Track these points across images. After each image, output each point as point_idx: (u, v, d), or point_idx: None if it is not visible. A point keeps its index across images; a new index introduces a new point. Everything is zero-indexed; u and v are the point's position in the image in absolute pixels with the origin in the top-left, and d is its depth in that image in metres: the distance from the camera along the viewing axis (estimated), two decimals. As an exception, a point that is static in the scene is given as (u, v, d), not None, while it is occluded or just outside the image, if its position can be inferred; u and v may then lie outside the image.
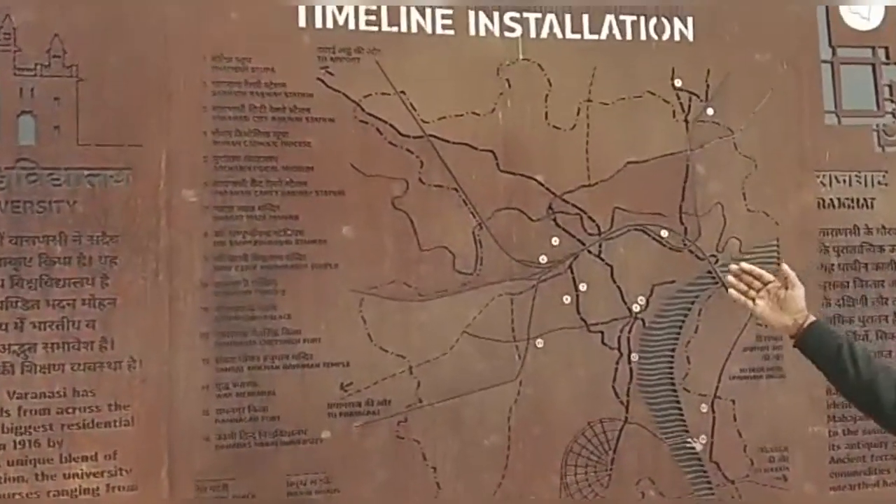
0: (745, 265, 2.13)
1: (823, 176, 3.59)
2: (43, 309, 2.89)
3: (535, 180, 3.33)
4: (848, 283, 3.59)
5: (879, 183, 3.63)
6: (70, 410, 2.90)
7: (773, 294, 2.11)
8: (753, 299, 2.16)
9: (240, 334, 3.06)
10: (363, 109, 3.18)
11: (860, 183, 3.62)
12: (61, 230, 2.92)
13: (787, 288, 2.09)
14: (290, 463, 3.09)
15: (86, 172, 2.95)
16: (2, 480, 2.83)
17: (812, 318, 2.10)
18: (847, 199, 3.60)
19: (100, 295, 2.94)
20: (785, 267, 2.15)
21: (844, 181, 3.61)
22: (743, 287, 2.14)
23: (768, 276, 2.13)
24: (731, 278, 2.11)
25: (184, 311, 3.02)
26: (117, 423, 2.94)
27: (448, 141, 3.25)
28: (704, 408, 3.41)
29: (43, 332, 2.89)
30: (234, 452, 3.04)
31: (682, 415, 3.39)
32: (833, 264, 3.58)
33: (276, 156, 3.11)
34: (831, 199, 3.59)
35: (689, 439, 3.41)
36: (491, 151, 3.30)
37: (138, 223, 2.98)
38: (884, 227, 3.62)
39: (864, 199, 3.62)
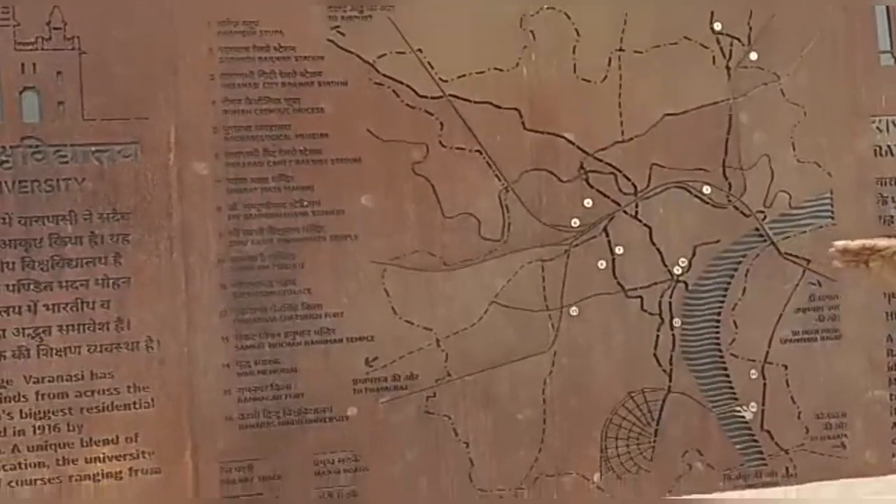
0: (848, 243, 1.95)
1: (880, 121, 3.32)
2: (56, 291, 2.82)
3: (565, 138, 3.14)
4: (909, 235, 3.34)
5: (943, 126, 3.36)
6: (89, 393, 2.83)
7: (888, 259, 1.91)
8: (867, 263, 1.96)
9: (259, 310, 2.96)
10: (378, 71, 3.02)
11: (920, 127, 3.35)
12: (71, 209, 2.84)
13: None
14: (317, 441, 2.99)
15: (93, 148, 2.85)
16: (23, 466, 2.78)
17: None
18: (906, 145, 3.34)
19: (113, 274, 2.86)
20: None
21: (903, 126, 3.34)
22: (851, 260, 1.95)
23: (881, 243, 1.93)
24: (836, 255, 1.93)
25: (200, 289, 2.92)
26: (137, 406, 2.87)
27: (469, 100, 3.07)
28: (754, 374, 3.21)
29: (57, 314, 2.82)
30: (258, 432, 2.95)
31: (730, 382, 3.20)
32: (893, 216, 3.32)
33: (288, 123, 2.97)
34: (889, 147, 3.33)
35: (739, 408, 3.22)
36: (516, 110, 3.11)
37: (149, 199, 2.88)
38: (948, 174, 3.35)
39: (925, 145, 3.35)
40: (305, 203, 2.99)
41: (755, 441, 3.21)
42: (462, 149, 3.09)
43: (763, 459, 3.22)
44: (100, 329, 2.84)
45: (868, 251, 1.98)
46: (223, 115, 2.93)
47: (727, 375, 3.20)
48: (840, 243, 2.00)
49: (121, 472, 2.85)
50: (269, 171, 2.97)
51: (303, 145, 2.99)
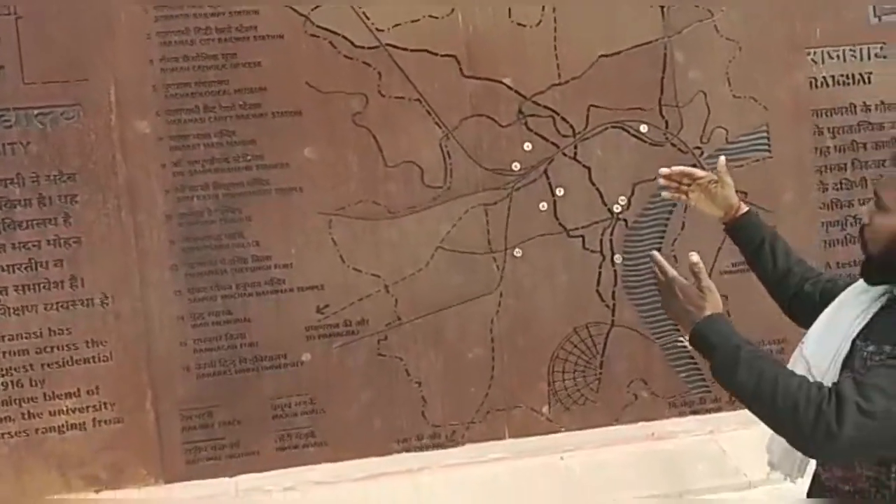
0: (671, 169, 2.08)
1: (815, 53, 3.38)
2: (9, 252, 2.92)
3: (503, 84, 3.20)
4: (845, 165, 3.42)
5: (876, 56, 3.41)
6: (48, 349, 2.95)
7: (703, 188, 2.04)
8: (686, 194, 2.09)
9: (209, 264, 3.06)
10: (313, 23, 3.06)
11: (855, 58, 3.40)
12: (18, 171, 2.92)
13: (720, 184, 2.04)
14: (273, 387, 3.12)
15: (35, 112, 2.92)
16: (-11, 421, 2.91)
17: (745, 209, 2.05)
18: (841, 76, 3.39)
19: (64, 234, 2.95)
20: (721, 161, 2.07)
21: (838, 57, 3.39)
22: (675, 185, 2.07)
23: (698, 172, 2.07)
24: (661, 181, 2.06)
25: (150, 245, 3.02)
26: (96, 360, 2.98)
27: (406, 49, 3.13)
28: None
29: (12, 274, 2.92)
30: (215, 380, 3.08)
31: (671, 315, 3.31)
32: (829, 147, 3.41)
33: (226, 79, 3.03)
34: (824, 78, 3.39)
35: (681, 338, 3.32)
36: (453, 56, 3.17)
37: (94, 160, 2.96)
38: (882, 103, 3.42)
39: (861, 75, 3.40)
40: (249, 157, 3.07)
41: (698, 369, 3.33)
42: (401, 98, 3.15)
43: (707, 387, 3.35)
44: (54, 287, 2.95)
45: (688, 179, 2.07)
46: (161, 74, 2.99)
47: (669, 308, 3.32)
48: (664, 170, 2.09)
49: (84, 422, 2.99)
50: (210, 126, 3.04)
51: (242, 100, 3.05)
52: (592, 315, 3.29)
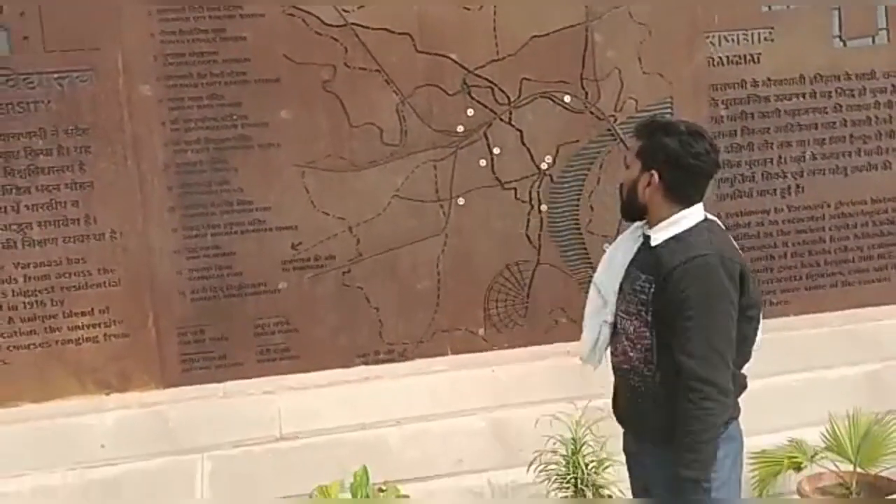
0: None
1: (713, 36, 3.99)
2: (33, 193, 3.47)
3: (450, 58, 3.77)
4: (736, 131, 4.06)
5: (765, 39, 4.03)
6: (67, 275, 3.52)
7: None
8: None
9: (201, 206, 3.63)
10: (290, 3, 3.60)
11: (747, 41, 4.02)
12: (41, 126, 3.45)
13: None
14: (255, 310, 3.72)
15: (55, 75, 3.44)
16: (18, 334, 3.49)
17: None
18: (735, 56, 4.01)
19: (79, 179, 3.50)
20: None
21: (733, 40, 4.01)
22: None
23: None
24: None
25: (152, 190, 3.58)
26: (107, 285, 3.56)
27: (368, 27, 3.68)
28: (607, 247, 3.90)
29: (35, 212, 3.47)
30: (206, 304, 3.67)
31: (587, 254, 3.95)
32: (722, 116, 4.03)
33: (216, 51, 3.57)
34: (720, 58, 4.00)
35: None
36: (408, 35, 3.73)
37: (104, 117, 3.50)
38: (769, 80, 4.05)
39: (751, 55, 4.02)
40: (235, 117, 3.62)
41: (608, 300, 3.99)
42: (364, 69, 3.71)
43: (615, 315, 4.01)
44: (72, 224, 3.51)
45: None
46: (161, 45, 3.52)
47: (585, 249, 3.95)
48: None
49: (97, 336, 3.58)
50: (202, 91, 3.58)
51: (230, 69, 3.60)
52: (522, 254, 3.92)
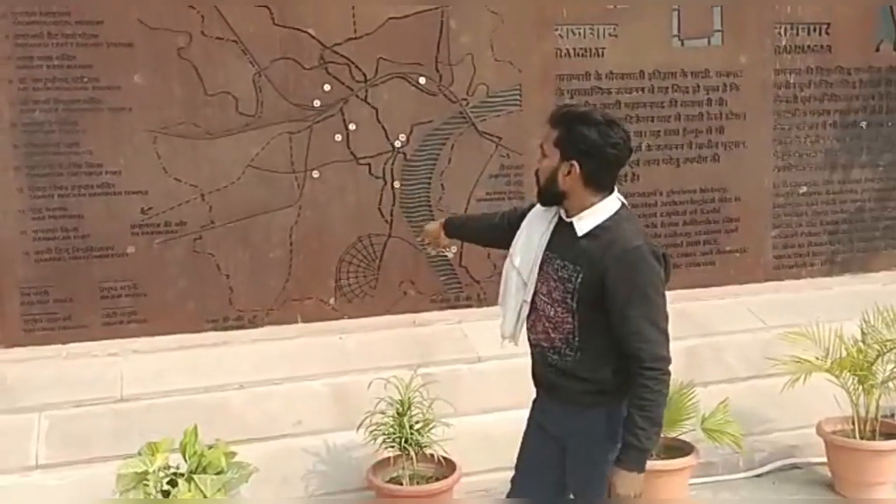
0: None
1: (561, 29, 4.23)
2: None
3: (308, 33, 3.87)
4: (580, 121, 4.32)
5: (610, 35, 4.30)
6: None
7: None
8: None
9: (48, 167, 3.62)
10: (146, -32, 3.62)
11: (593, 35, 4.28)
12: None
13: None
14: (102, 273, 3.74)
15: None
16: None
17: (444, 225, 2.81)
18: (581, 49, 4.27)
19: (-80, 134, 3.44)
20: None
21: (579, 34, 4.26)
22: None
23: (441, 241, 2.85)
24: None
25: (-4, 148, 3.55)
26: (-55, 242, 3.52)
27: (225, -3, 3.74)
28: None
29: None
30: (51, 265, 3.67)
31: (437, 230, 4.14)
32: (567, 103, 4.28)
33: (68, 10, 3.55)
34: (567, 49, 4.25)
35: (443, 249, 4.17)
36: (266, 7, 3.80)
37: (-52, 73, 3.44)
38: (612, 73, 4.33)
39: (596, 49, 4.29)
40: (86, 79, 3.62)
41: (455, 274, 4.20)
42: (221, 38, 3.77)
43: (461, 287, 4.22)
44: None
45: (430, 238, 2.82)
46: (10, 2, 3.48)
47: (435, 225, 4.14)
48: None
49: (-67, 295, 3.53)
50: (53, 51, 3.56)
51: (82, 30, 3.59)
52: (374, 228, 4.07)
